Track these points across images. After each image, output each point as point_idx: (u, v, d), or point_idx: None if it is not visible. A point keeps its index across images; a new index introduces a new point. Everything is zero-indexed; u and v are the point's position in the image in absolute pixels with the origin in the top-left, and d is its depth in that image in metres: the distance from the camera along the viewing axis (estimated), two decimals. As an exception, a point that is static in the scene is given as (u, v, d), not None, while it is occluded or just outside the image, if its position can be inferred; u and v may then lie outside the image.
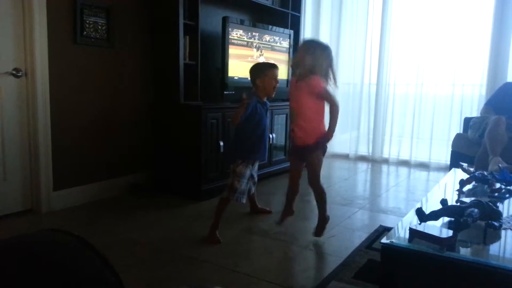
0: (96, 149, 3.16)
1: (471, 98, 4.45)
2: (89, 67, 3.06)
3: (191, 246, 2.33)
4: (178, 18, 3.17)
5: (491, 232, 1.37)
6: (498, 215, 1.42)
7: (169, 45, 3.28)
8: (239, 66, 3.66)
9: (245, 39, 3.69)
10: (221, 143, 3.29)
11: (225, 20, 3.45)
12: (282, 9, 4.42)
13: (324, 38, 5.14)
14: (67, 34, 2.90)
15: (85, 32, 2.99)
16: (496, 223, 1.38)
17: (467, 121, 3.73)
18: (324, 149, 2.31)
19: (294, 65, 2.37)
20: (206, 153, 3.20)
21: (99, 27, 3.08)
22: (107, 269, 0.68)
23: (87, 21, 2.99)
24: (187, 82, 3.31)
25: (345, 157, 5.15)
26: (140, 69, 3.42)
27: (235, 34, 3.56)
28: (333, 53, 5.55)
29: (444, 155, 4.49)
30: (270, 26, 4.07)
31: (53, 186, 2.90)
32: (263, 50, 3.94)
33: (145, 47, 3.43)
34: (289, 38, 4.32)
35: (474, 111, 4.31)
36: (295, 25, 4.63)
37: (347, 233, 2.53)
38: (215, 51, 3.67)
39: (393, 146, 4.91)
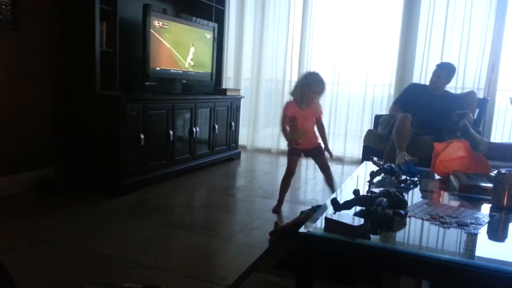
0: (-2, 141, 2.86)
1: (381, 97, 4.80)
2: (-9, 50, 2.76)
3: (108, 244, 2.21)
4: (94, 2, 2.98)
5: (398, 219, 1.48)
6: (404, 204, 1.55)
7: (85, 31, 3.06)
8: (161, 57, 3.54)
9: (168, 29, 3.58)
10: (142, 136, 3.18)
11: (146, 8, 3.32)
12: (206, 1, 4.37)
13: (247, 34, 5.19)
14: (-37, 11, 2.58)
15: (-15, 11, 2.68)
16: (402, 211, 1.50)
17: (377, 118, 4.01)
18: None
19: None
20: (125, 146, 3.06)
21: (3, 7, 2.79)
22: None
23: (-12, -1, 2.69)
24: (104, 71, 3.12)
25: (268, 151, 5.26)
26: (51, 54, 3.16)
27: (157, 23, 3.44)
28: (257, 50, 5.59)
29: (357, 150, 4.81)
30: (194, 18, 4.00)
31: None
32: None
33: (57, 31, 3.17)
34: (213, 31, 4.29)
35: (384, 109, 4.66)
36: (219, 19, 4.61)
37: (269, 224, 2.59)
38: (137, 40, 3.52)
39: (312, 141, 5.11)
